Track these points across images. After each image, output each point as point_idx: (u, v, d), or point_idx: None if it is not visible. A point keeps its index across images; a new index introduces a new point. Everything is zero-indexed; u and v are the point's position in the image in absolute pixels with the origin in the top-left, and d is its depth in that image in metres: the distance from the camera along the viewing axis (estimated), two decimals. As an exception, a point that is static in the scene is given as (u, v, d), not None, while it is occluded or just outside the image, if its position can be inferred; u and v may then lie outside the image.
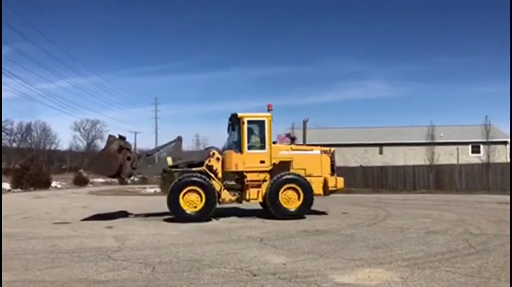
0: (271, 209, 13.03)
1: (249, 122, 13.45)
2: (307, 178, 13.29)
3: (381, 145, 47.62)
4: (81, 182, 53.67)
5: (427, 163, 34.40)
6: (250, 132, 13.55)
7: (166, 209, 13.04)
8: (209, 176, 13.14)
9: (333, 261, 6.96)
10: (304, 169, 13.55)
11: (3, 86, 78.61)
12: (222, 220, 13.01)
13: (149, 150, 14.12)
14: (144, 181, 51.37)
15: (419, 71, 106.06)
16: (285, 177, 13.10)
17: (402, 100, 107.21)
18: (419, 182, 32.52)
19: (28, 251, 8.29)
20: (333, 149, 14.68)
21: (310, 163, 13.72)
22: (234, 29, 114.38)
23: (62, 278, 6.03)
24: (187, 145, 56.32)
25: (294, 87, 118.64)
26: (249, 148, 13.36)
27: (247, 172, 13.31)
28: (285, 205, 12.95)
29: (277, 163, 13.44)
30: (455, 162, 35.33)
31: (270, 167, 13.35)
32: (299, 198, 13.03)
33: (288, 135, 44.85)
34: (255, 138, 13.59)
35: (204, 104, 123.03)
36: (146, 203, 20.92)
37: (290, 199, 13.01)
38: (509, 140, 41.27)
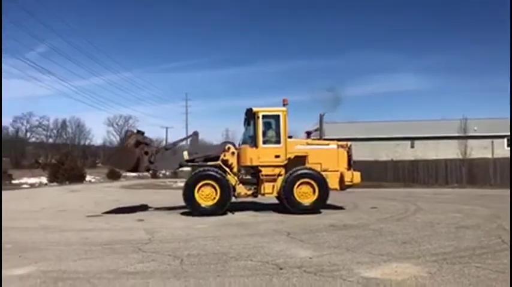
0: (285, 204, 13.02)
1: (264, 116, 13.47)
2: (323, 173, 13.18)
3: (412, 139, 46.74)
4: (114, 176, 54.85)
5: (460, 156, 33.58)
6: (265, 126, 13.55)
7: None
8: (224, 170, 13.23)
9: (359, 255, 6.93)
10: (320, 164, 13.43)
11: (39, 83, 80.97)
12: (247, 213, 13.12)
13: (167, 144, 14.31)
14: (175, 175, 52.12)
15: (450, 63, 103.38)
16: (299, 172, 13.04)
17: (433, 93, 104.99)
18: (451, 176, 31.83)
19: (62, 242, 8.58)
20: (349, 143, 14.51)
21: (326, 158, 13.59)
22: (261, 24, 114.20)
23: (94, 269, 6.22)
24: (217, 140, 56.67)
25: (322, 80, 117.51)
26: (264, 142, 13.38)
27: (262, 166, 13.32)
28: (299, 200, 12.90)
29: (292, 157, 13.38)
30: (489, 156, 34.35)
31: (285, 162, 13.31)
32: (314, 193, 12.95)
33: (316, 130, 44.40)
34: (270, 133, 13.58)
35: (233, 98, 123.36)
36: (175, 197, 21.20)
37: (305, 194, 12.94)
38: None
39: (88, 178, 49.79)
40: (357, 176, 13.77)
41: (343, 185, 13.59)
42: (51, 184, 40.67)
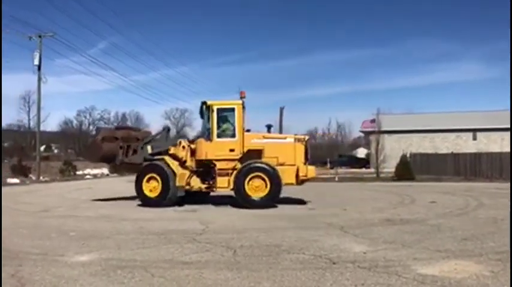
0: (237, 198, 12.99)
1: (219, 110, 13.38)
2: (280, 167, 12.90)
3: (474, 131, 44.72)
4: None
5: (528, 149, 31.60)
6: (220, 120, 13.45)
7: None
8: (168, 164, 13.38)
9: (416, 251, 6.70)
10: (277, 158, 13.12)
11: (102, 79, 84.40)
12: (299, 207, 13.11)
13: (145, 139, 15.02)
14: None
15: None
16: (251, 166, 12.86)
17: (497, 82, 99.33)
18: (518, 170, 29.97)
19: (121, 232, 8.93)
20: (307, 137, 14.15)
21: (283, 152, 13.23)
22: (316, 13, 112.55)
23: (151, 258, 6.44)
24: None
25: (379, 70, 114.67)
26: (219, 136, 13.29)
27: (216, 160, 13.22)
28: (251, 194, 12.73)
29: (247, 151, 13.17)
30: (561, 148, 32.10)
31: (240, 156, 13.13)
32: (266, 187, 12.72)
33: (372, 121, 43.23)
34: (225, 127, 13.49)
35: (286, 91, 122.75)
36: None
37: (257, 188, 12.76)
38: None
39: (146, 169, 51.33)
40: (311, 171, 13.38)
41: (298, 180, 13.22)
42: (112, 175, 42.38)
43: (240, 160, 13.20)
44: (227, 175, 13.21)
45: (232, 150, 13.18)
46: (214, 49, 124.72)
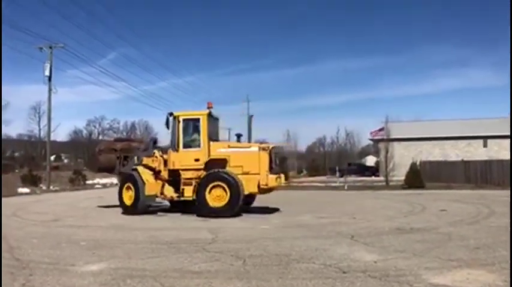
0: (198, 206, 13.02)
1: (185, 120, 13.59)
2: (242, 176, 12.86)
3: (484, 138, 44.36)
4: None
5: (540, 156, 31.23)
6: (186, 130, 13.64)
7: None
8: (139, 174, 13.78)
9: (427, 261, 6.63)
10: (241, 167, 13.06)
11: (111, 89, 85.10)
12: (307, 215, 13.02)
13: (138, 150, 15.42)
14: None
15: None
16: (211, 175, 12.90)
17: (509, 88, 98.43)
18: (530, 178, 29.59)
19: (131, 241, 8.96)
20: (271, 145, 14.08)
21: (247, 160, 13.16)
22: (324, 21, 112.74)
23: (160, 268, 6.44)
24: (278, 141, 56.69)
25: (388, 78, 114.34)
26: (184, 146, 13.45)
27: (182, 170, 13.37)
28: (211, 203, 12.75)
29: (212, 160, 13.22)
30: None
31: (203, 165, 13.22)
32: (227, 196, 12.71)
33: (381, 129, 42.96)
34: (190, 137, 13.64)
35: (294, 99, 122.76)
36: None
37: (218, 197, 12.76)
38: None
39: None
40: (271, 180, 13.09)
41: (260, 189, 13.11)
42: (122, 184, 42.53)
43: (205, 169, 13.28)
44: (192, 184, 13.31)
45: (197, 160, 13.33)
46: (222, 58, 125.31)
